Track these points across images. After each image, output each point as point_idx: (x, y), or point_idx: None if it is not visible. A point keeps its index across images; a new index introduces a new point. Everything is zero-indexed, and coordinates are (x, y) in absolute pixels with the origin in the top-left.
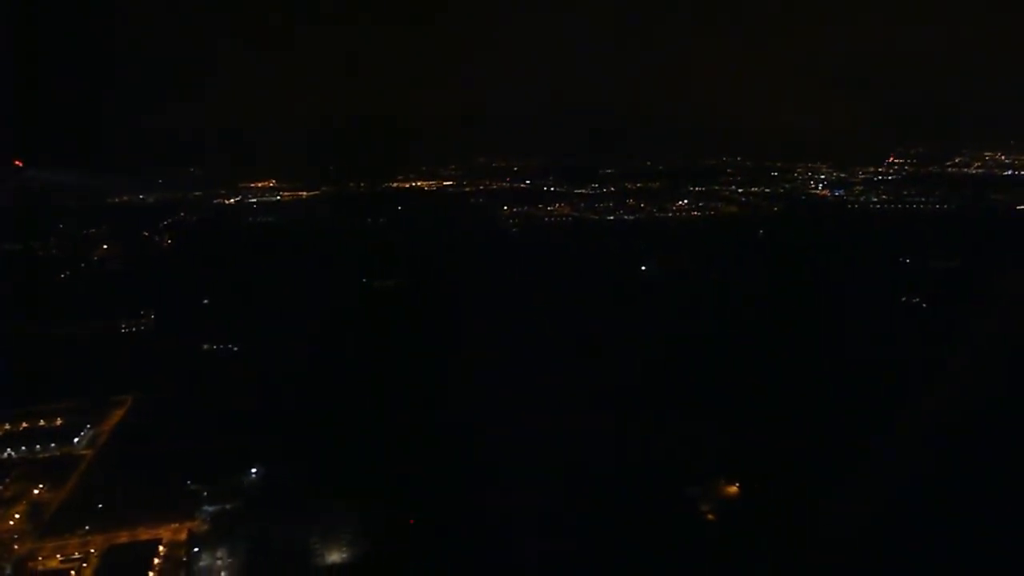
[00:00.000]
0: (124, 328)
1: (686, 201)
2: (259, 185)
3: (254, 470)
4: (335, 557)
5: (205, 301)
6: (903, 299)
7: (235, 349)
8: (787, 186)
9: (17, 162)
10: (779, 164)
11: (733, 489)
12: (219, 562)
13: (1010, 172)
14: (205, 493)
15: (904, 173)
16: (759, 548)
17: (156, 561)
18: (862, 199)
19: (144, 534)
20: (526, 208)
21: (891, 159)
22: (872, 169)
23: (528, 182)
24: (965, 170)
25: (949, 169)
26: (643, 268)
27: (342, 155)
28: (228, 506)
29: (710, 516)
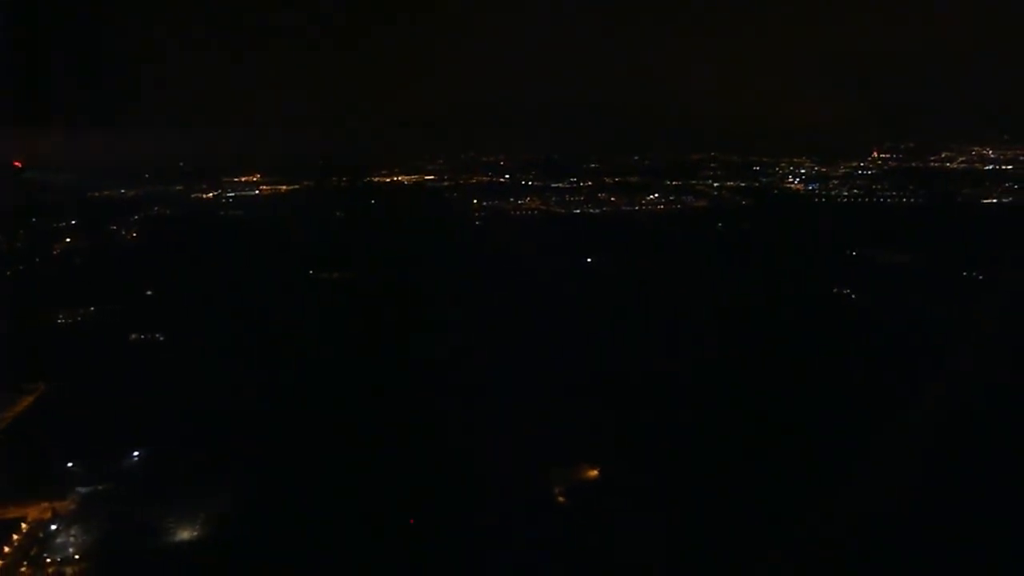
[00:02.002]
0: (61, 319)
1: (657, 195)
2: (243, 179)
3: (136, 453)
4: (185, 535)
5: (148, 292)
6: (834, 290)
7: (160, 338)
8: (764, 180)
9: (16, 163)
10: (764, 159)
11: (593, 473)
12: (72, 539)
13: (991, 167)
14: (82, 474)
15: (886, 168)
16: (596, 534)
17: (15, 537)
18: (833, 193)
19: (13, 513)
20: (497, 202)
21: (875, 154)
22: (855, 164)
23: (507, 176)
24: (948, 165)
25: (932, 164)
26: (588, 260)
27: (326, 150)
28: (100, 487)
29: (560, 499)
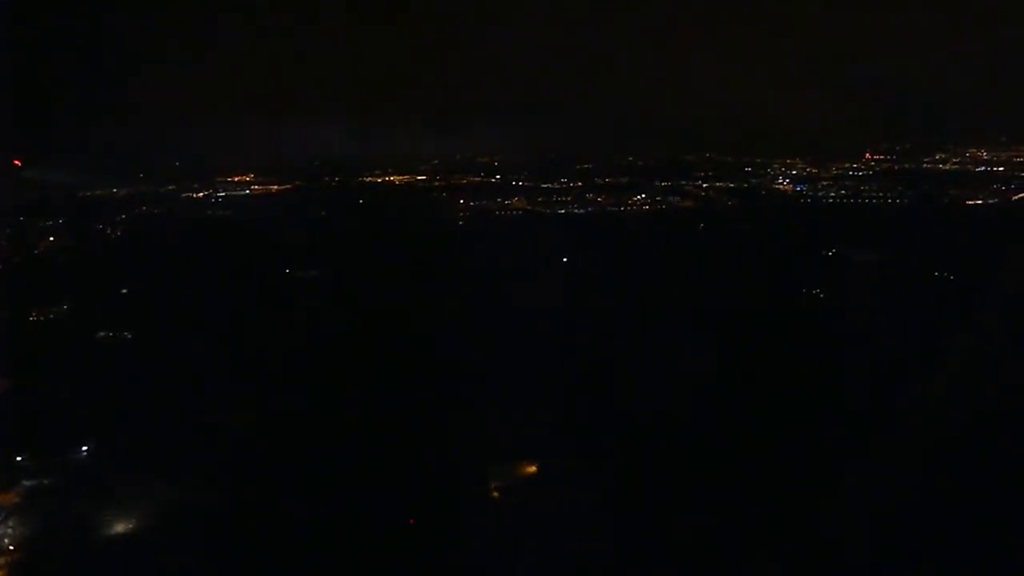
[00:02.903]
0: (33, 316)
1: (644, 195)
2: (236, 179)
3: (84, 447)
4: (119, 528)
5: (124, 291)
6: (804, 289)
7: (128, 336)
8: (754, 181)
9: (16, 162)
10: (759, 159)
11: (531, 469)
12: (9, 530)
13: (983, 168)
14: (29, 467)
15: (878, 169)
16: (520, 527)
17: None
18: (820, 194)
19: None
20: (484, 202)
21: (868, 155)
22: (848, 165)
23: (498, 177)
24: (941, 167)
25: (925, 166)
26: (564, 259)
27: (323, 149)
28: (46, 480)
29: (495, 494)
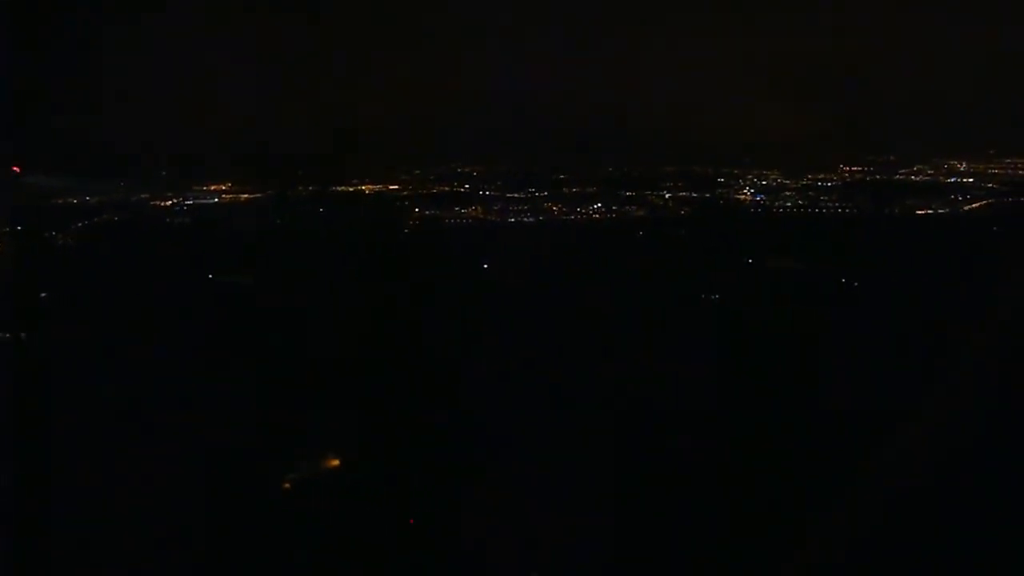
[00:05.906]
0: None
1: (599, 205)
2: (212, 187)
3: None
4: None
5: (43, 294)
6: (703, 295)
7: (23, 336)
8: (718, 191)
9: (15, 168)
10: (735, 171)
11: (334, 463)
12: None
13: (954, 180)
14: None
15: (849, 180)
16: (310, 519)
17: None
18: (775, 204)
19: None
20: (438, 211)
21: (841, 167)
22: (818, 177)
23: (467, 187)
24: (913, 178)
25: (897, 177)
26: (485, 266)
27: (293, 157)
28: None
29: (286, 485)
